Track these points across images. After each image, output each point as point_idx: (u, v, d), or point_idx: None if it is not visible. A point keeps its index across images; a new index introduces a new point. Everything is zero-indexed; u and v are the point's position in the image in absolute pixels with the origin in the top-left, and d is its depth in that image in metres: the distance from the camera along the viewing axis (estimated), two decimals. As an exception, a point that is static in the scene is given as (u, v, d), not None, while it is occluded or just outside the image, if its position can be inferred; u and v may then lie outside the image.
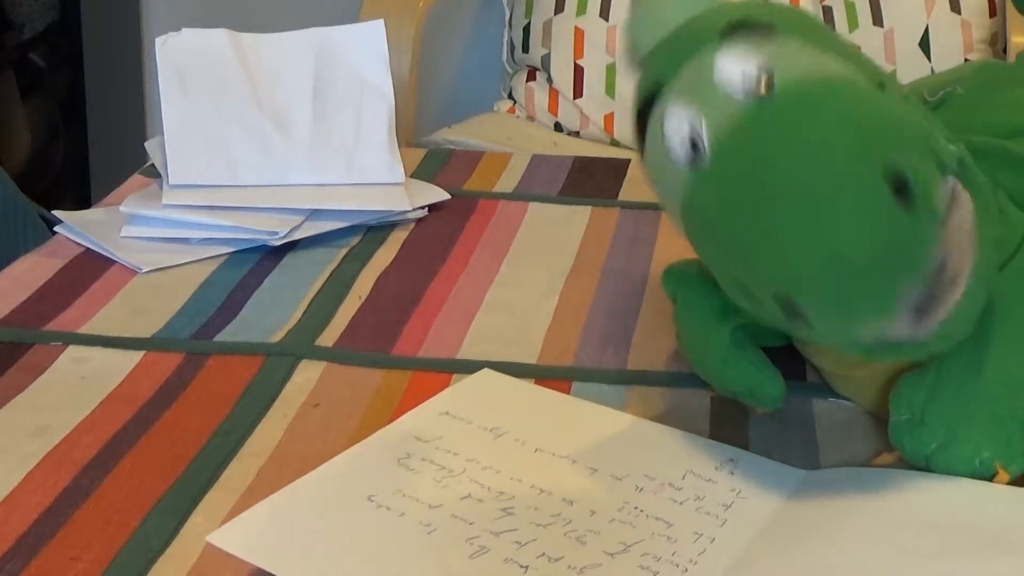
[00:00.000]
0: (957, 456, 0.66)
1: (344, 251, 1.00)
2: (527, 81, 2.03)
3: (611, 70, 1.96)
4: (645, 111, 0.69)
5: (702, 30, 0.68)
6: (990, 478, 0.66)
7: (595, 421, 0.75)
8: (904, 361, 0.70)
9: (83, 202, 2.36)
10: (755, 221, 0.62)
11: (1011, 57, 1.88)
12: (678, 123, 0.65)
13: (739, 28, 0.67)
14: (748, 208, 0.63)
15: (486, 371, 0.80)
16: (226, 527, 0.63)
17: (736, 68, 0.64)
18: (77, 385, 0.79)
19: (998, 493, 0.66)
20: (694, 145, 0.64)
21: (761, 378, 0.74)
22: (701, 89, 0.65)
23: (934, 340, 0.64)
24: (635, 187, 1.15)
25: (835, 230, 0.60)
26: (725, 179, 0.64)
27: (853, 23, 1.96)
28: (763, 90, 0.64)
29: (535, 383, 0.80)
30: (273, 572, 0.60)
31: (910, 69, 1.93)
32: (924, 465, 0.68)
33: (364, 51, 1.11)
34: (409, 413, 0.74)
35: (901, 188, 0.60)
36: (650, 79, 0.69)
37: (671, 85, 0.67)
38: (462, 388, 0.78)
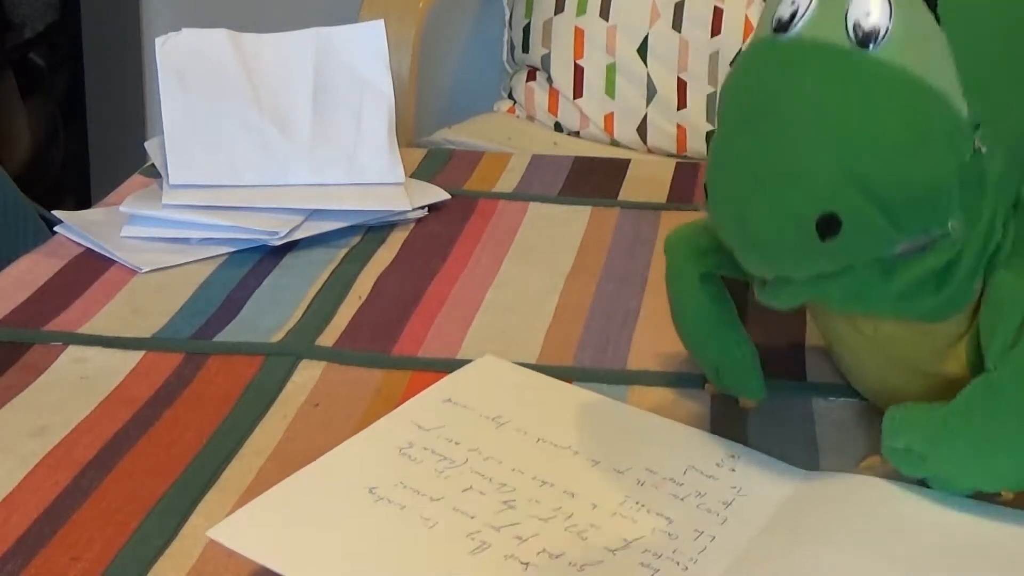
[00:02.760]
0: (958, 490, 0.66)
1: (344, 251, 1.00)
2: (527, 81, 2.03)
3: (611, 70, 1.96)
4: None
5: None
6: (995, 496, 0.66)
7: (597, 411, 0.75)
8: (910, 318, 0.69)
9: (83, 202, 2.36)
10: (733, 124, 0.64)
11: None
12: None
13: None
14: (740, 108, 0.64)
15: (488, 356, 0.80)
16: (226, 521, 0.63)
17: (867, 4, 0.63)
18: (77, 385, 0.79)
19: (999, 512, 0.65)
20: (791, 17, 0.64)
21: (737, 342, 0.75)
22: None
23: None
24: (635, 187, 1.15)
25: (754, 201, 0.62)
26: (763, 67, 0.65)
27: None
28: (864, 40, 0.62)
29: (535, 383, 0.80)
30: (273, 568, 0.60)
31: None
32: (918, 483, 0.67)
33: (364, 51, 1.11)
34: (411, 400, 0.74)
35: (827, 227, 0.61)
36: None
37: None
38: (464, 374, 0.78)
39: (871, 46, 0.62)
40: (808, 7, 0.64)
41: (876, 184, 0.61)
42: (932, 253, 0.64)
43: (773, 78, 0.64)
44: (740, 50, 0.66)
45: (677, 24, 1.92)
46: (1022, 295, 0.67)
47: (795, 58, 0.64)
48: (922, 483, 0.67)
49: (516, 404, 0.74)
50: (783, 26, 0.64)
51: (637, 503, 0.66)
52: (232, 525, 0.63)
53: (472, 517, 0.64)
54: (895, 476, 0.67)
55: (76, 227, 1.01)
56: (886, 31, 0.62)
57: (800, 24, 0.64)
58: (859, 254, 0.63)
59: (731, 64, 0.67)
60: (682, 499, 0.67)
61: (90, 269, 0.95)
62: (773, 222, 0.62)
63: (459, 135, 1.90)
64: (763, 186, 0.62)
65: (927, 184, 0.62)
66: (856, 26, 0.62)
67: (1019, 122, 0.66)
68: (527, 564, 0.61)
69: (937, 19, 0.63)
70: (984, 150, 0.64)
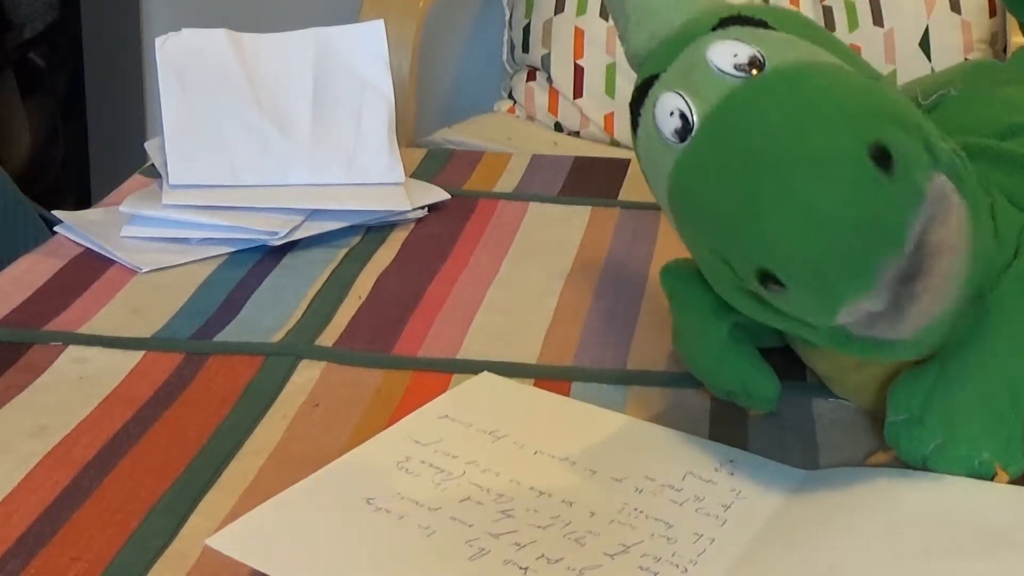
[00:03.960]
0: (955, 456, 0.66)
1: (344, 251, 1.00)
2: (527, 81, 2.03)
3: (611, 70, 1.96)
4: (639, 99, 0.70)
5: (696, 26, 0.70)
6: (990, 478, 0.66)
7: (594, 423, 0.75)
8: (891, 361, 0.70)
9: (83, 202, 2.36)
10: (738, 191, 0.63)
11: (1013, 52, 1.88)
12: (668, 102, 0.66)
13: (732, 21, 0.68)
14: (732, 179, 0.63)
15: (485, 374, 0.80)
16: (225, 530, 0.63)
17: (727, 50, 0.65)
18: (77, 385, 0.79)
19: (997, 491, 0.66)
20: (684, 121, 0.65)
21: (756, 375, 0.74)
22: (692, 73, 0.66)
23: (916, 341, 0.64)
24: (635, 187, 1.15)
25: (813, 195, 0.61)
26: (711, 151, 0.64)
27: (853, 23, 1.96)
28: (753, 70, 0.65)
29: (535, 383, 0.80)
30: (272, 575, 0.60)
31: (910, 69, 1.93)
32: (921, 465, 0.68)
33: (364, 51, 1.11)
34: (408, 417, 0.74)
35: (882, 157, 0.61)
36: (646, 70, 0.71)
37: (663, 74, 0.68)
38: (461, 391, 0.78)
39: (764, 68, 0.65)
40: (688, 101, 0.65)
41: (882, 109, 0.63)
42: (959, 177, 0.64)
43: (733, 140, 0.64)
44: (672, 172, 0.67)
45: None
46: (1012, 217, 0.69)
47: (731, 115, 0.64)
48: (924, 470, 0.67)
49: (513, 419, 0.74)
50: (683, 131, 0.65)
51: (636, 510, 0.66)
52: (231, 534, 0.63)
53: (470, 525, 0.64)
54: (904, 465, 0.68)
55: (76, 227, 1.01)
56: (760, 52, 0.65)
57: (696, 114, 0.65)
58: (917, 170, 0.61)
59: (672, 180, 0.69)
60: (681, 504, 0.67)
61: (90, 269, 0.95)
62: (843, 192, 0.60)
63: (459, 135, 1.90)
64: (811, 184, 0.61)
65: (907, 107, 0.64)
66: (738, 67, 0.65)
67: (876, 74, 0.71)
68: (526, 569, 0.61)
69: (772, 28, 0.68)
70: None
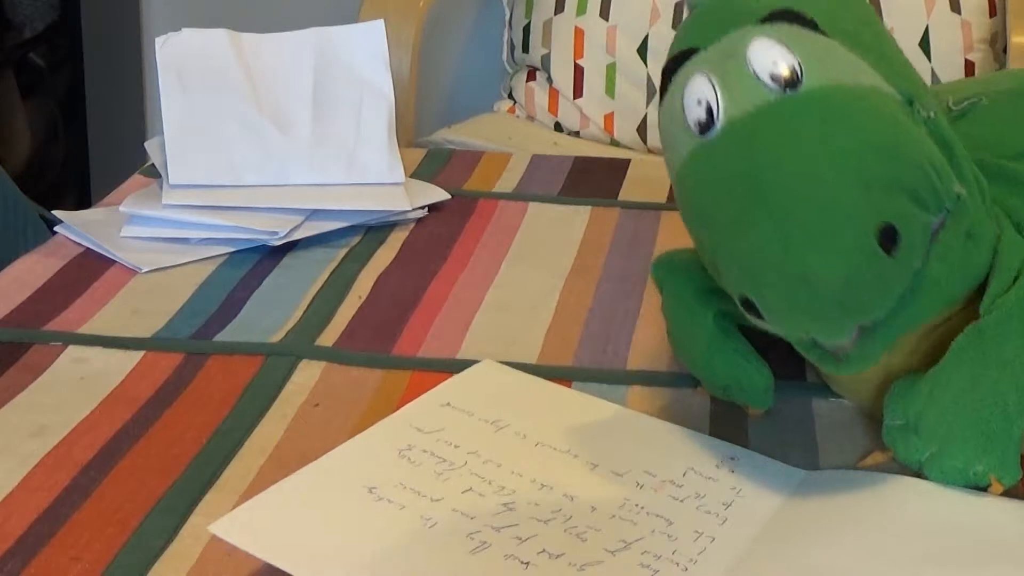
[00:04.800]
0: (950, 467, 0.66)
1: (344, 251, 1.00)
2: (527, 81, 2.03)
3: (611, 70, 1.96)
4: (674, 67, 0.69)
5: (747, 6, 0.68)
6: (984, 488, 0.66)
7: (596, 415, 0.75)
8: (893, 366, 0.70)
9: (83, 202, 2.36)
10: (739, 214, 0.63)
11: (1010, 57, 1.88)
12: (699, 89, 0.65)
13: (782, 16, 0.67)
14: (735, 199, 0.63)
15: (488, 362, 0.80)
16: (227, 517, 0.63)
17: (768, 54, 0.64)
18: (77, 385, 0.79)
19: (1000, 504, 0.66)
20: (709, 114, 0.65)
21: (747, 367, 0.74)
22: (729, 64, 0.65)
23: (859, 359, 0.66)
24: (635, 187, 1.15)
25: (809, 251, 0.61)
26: (726, 158, 0.64)
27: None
28: (789, 83, 0.64)
29: (535, 383, 0.80)
30: (274, 564, 0.60)
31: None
32: (917, 470, 0.68)
33: (364, 51, 1.11)
34: (411, 403, 0.74)
35: (888, 238, 0.61)
36: (686, 39, 0.69)
37: (703, 51, 0.67)
38: (464, 379, 0.78)
39: (799, 85, 0.64)
40: (717, 95, 0.65)
41: (900, 179, 0.62)
42: (955, 218, 0.65)
43: (748, 159, 0.63)
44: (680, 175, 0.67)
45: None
46: (1018, 246, 0.69)
47: (754, 132, 0.64)
48: (920, 476, 0.67)
49: (515, 408, 0.74)
50: (706, 125, 0.65)
51: (637, 505, 0.66)
52: (233, 521, 0.63)
53: (472, 518, 0.64)
54: (898, 471, 0.68)
55: (76, 227, 1.01)
56: (799, 65, 0.64)
57: (722, 113, 0.64)
58: (918, 251, 0.63)
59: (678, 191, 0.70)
60: (681, 501, 0.67)
61: (90, 269, 0.95)
62: (840, 262, 0.61)
63: (459, 135, 1.90)
64: (811, 239, 0.61)
65: (928, 160, 0.64)
66: (774, 78, 0.64)
67: (916, 83, 0.69)
68: (527, 563, 0.61)
69: (823, 33, 0.66)
70: (933, 115, 0.67)
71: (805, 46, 0.65)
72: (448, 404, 0.74)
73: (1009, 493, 0.66)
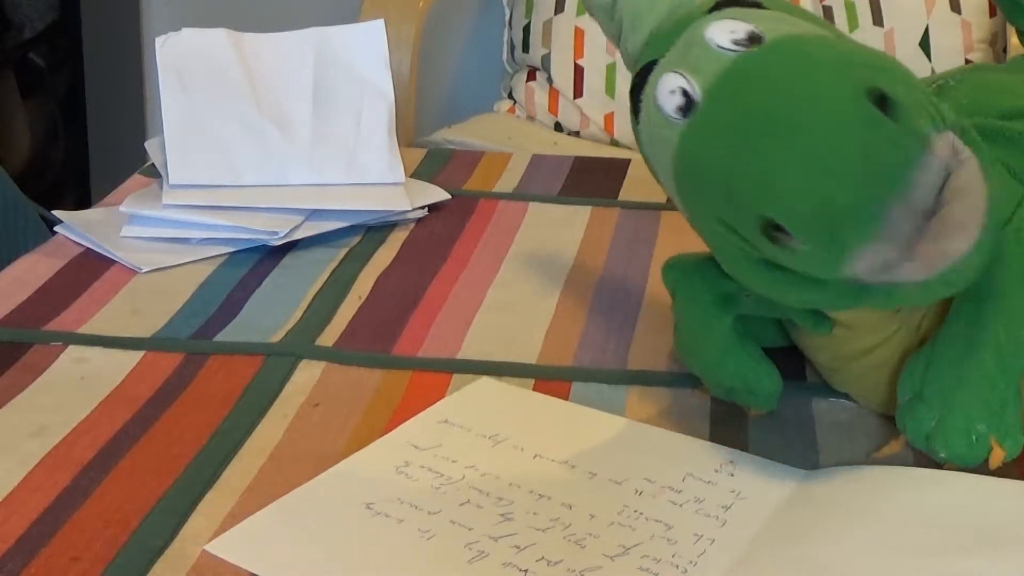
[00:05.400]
0: (952, 428, 0.67)
1: (344, 251, 1.00)
2: (527, 81, 2.03)
3: (611, 70, 1.96)
4: (640, 86, 0.70)
5: (690, 12, 0.70)
6: (986, 456, 0.67)
7: (593, 426, 0.75)
8: (902, 308, 0.70)
9: (83, 202, 2.36)
10: (743, 148, 0.63)
11: (1010, 57, 1.88)
12: (669, 82, 0.66)
13: (726, 3, 0.69)
14: (736, 140, 0.63)
15: (485, 379, 0.80)
16: (224, 536, 0.63)
17: (725, 28, 0.66)
18: (77, 385, 0.79)
19: (997, 487, 0.66)
20: (686, 98, 0.66)
21: (759, 371, 0.74)
22: (691, 52, 0.67)
23: (944, 280, 0.64)
24: (635, 187, 1.15)
25: (814, 140, 0.61)
26: (717, 116, 0.65)
27: (853, 23, 1.96)
28: (751, 42, 0.65)
29: (535, 383, 0.80)
30: None
31: (910, 69, 1.92)
32: (926, 447, 0.68)
33: (364, 51, 1.11)
34: (407, 422, 0.74)
35: (882, 102, 0.61)
36: (644, 58, 0.71)
37: (663, 57, 0.69)
38: (460, 396, 0.78)
39: (763, 40, 0.65)
40: (688, 79, 0.66)
41: (883, 69, 0.63)
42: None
43: (738, 102, 0.64)
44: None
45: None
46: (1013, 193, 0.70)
47: (733, 83, 0.65)
48: (926, 464, 0.67)
49: (513, 423, 0.74)
50: (686, 107, 0.66)
51: (636, 512, 0.66)
52: (230, 540, 0.63)
53: (470, 529, 0.64)
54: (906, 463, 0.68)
55: (76, 227, 1.01)
56: (757, 28, 0.66)
57: (698, 88, 0.65)
58: (921, 125, 0.62)
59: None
60: (681, 505, 0.67)
61: (90, 269, 0.95)
62: (849, 134, 0.61)
63: (459, 135, 1.90)
64: (816, 129, 0.62)
65: (908, 73, 0.65)
66: (736, 42, 0.65)
67: None
68: (525, 571, 0.61)
69: (762, 7, 0.69)
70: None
71: (758, 17, 0.67)
72: (446, 421, 0.74)
73: (1009, 472, 0.66)
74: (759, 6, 0.69)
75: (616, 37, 0.76)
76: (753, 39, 0.65)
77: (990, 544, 0.61)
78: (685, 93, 0.66)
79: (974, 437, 0.67)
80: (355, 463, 0.70)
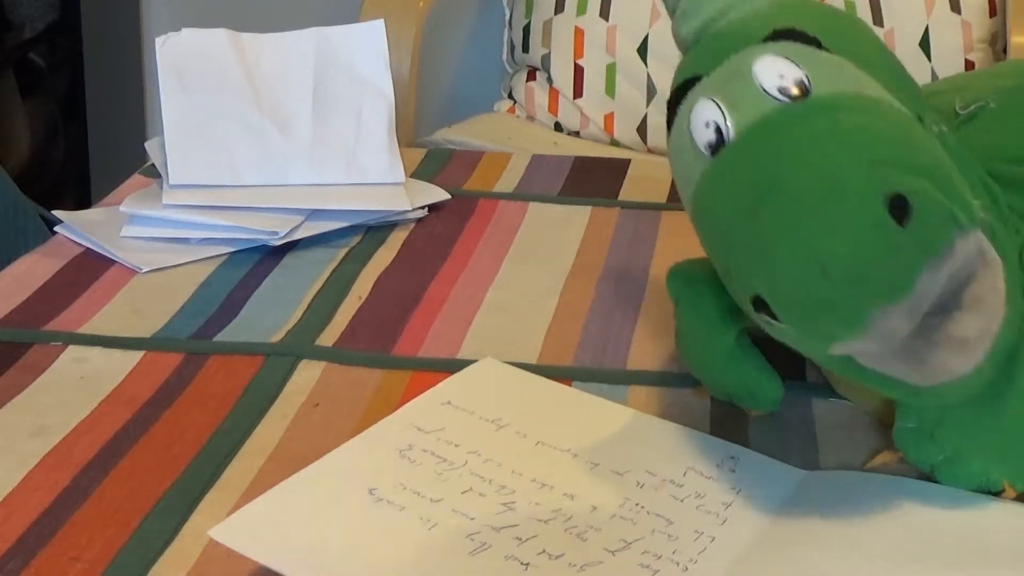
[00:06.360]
0: (965, 472, 0.66)
1: (344, 251, 1.00)
2: (527, 81, 2.03)
3: (611, 70, 1.96)
4: (678, 97, 0.68)
5: (748, 29, 0.68)
6: (996, 493, 0.66)
7: (597, 414, 0.75)
8: (896, 396, 0.67)
9: (83, 202, 2.35)
10: (747, 212, 0.62)
11: (1010, 57, 1.88)
12: (706, 111, 0.64)
13: (785, 35, 0.66)
14: (744, 199, 0.62)
15: (488, 359, 0.80)
16: (227, 521, 0.63)
17: (774, 68, 0.64)
18: (77, 385, 0.79)
19: (1002, 506, 0.65)
20: (718, 134, 0.64)
21: (761, 379, 0.74)
22: (735, 84, 0.64)
23: (936, 393, 0.63)
24: (635, 187, 1.15)
25: (815, 230, 0.59)
26: (736, 169, 0.63)
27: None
28: (797, 94, 0.63)
29: (535, 383, 0.80)
30: (274, 567, 0.60)
31: (910, 69, 1.92)
32: (928, 473, 0.67)
33: (364, 51, 1.11)
34: (411, 402, 0.74)
35: (899, 207, 0.59)
36: (688, 69, 0.69)
37: (705, 78, 0.67)
38: (464, 377, 0.78)
39: (808, 96, 0.63)
40: (725, 115, 0.64)
41: (910, 162, 0.61)
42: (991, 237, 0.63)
43: (758, 158, 0.62)
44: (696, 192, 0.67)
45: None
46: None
47: (762, 135, 0.63)
48: (928, 479, 0.67)
49: (516, 407, 0.74)
50: (716, 146, 0.64)
51: (637, 505, 0.66)
52: (233, 525, 0.63)
53: (472, 518, 0.64)
54: (904, 472, 0.67)
55: (76, 227, 1.01)
56: (807, 77, 0.63)
57: (731, 129, 0.63)
58: (936, 227, 0.59)
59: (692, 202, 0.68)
60: (682, 500, 0.67)
61: (90, 269, 0.95)
62: (849, 234, 0.59)
63: (459, 135, 1.90)
64: (820, 218, 0.59)
65: (941, 162, 0.63)
66: (782, 91, 0.63)
67: (923, 103, 0.69)
68: (527, 564, 0.61)
69: (821, 45, 0.66)
70: (942, 129, 0.66)
71: (811, 61, 0.64)
72: (449, 403, 0.74)
73: (1019, 497, 0.66)
74: (819, 44, 0.66)
75: (672, 11, 0.74)
76: (801, 91, 0.63)
77: (988, 558, 0.61)
78: (719, 130, 0.64)
79: (986, 480, 0.66)
80: (359, 444, 0.70)
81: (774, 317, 0.62)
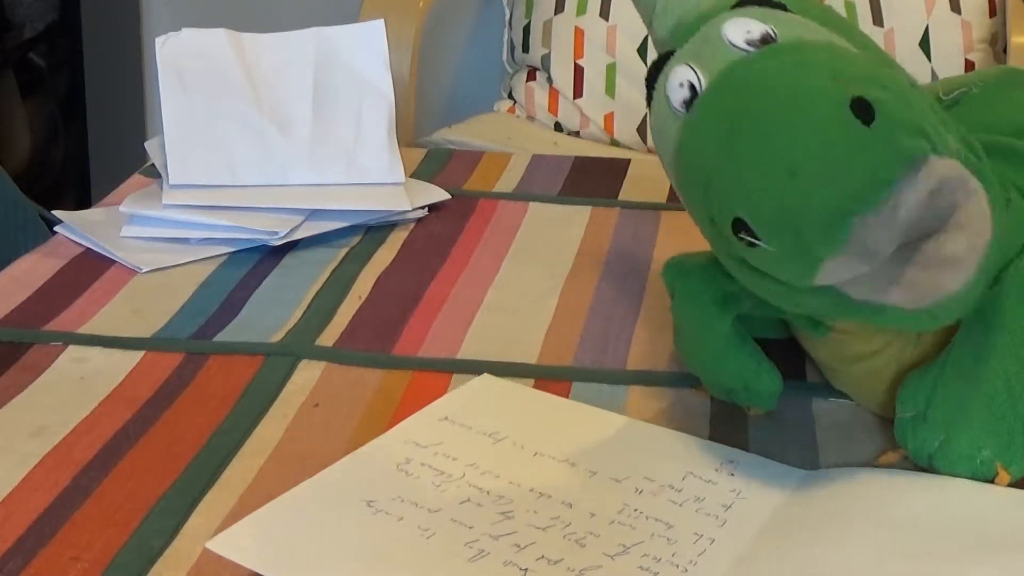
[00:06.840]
0: (957, 453, 0.67)
1: (344, 251, 1.00)
2: (527, 81, 2.03)
3: (611, 70, 1.96)
4: (655, 75, 0.70)
5: (717, 8, 0.70)
6: (991, 479, 0.66)
7: (594, 424, 0.75)
8: (878, 328, 0.69)
9: (83, 202, 2.36)
10: (722, 147, 0.63)
11: (1010, 57, 1.88)
12: (680, 74, 0.67)
13: (751, 1, 0.69)
14: (719, 138, 0.64)
15: (485, 376, 0.80)
16: (224, 533, 0.63)
17: (741, 27, 0.66)
18: (77, 385, 0.79)
19: (997, 495, 0.66)
20: (692, 92, 0.66)
21: (759, 371, 0.74)
22: (705, 47, 0.67)
23: (931, 314, 0.64)
24: (635, 187, 1.15)
25: (788, 141, 0.61)
26: (707, 115, 0.65)
27: (853, 23, 1.96)
28: (762, 43, 0.65)
29: (535, 383, 0.80)
30: None
31: (910, 69, 1.92)
32: (928, 464, 0.68)
33: (364, 51, 1.11)
34: (408, 419, 0.74)
35: (863, 109, 0.60)
36: (663, 50, 0.72)
37: (679, 50, 0.69)
38: (461, 393, 0.78)
39: (773, 42, 0.65)
40: (697, 73, 0.66)
41: (875, 77, 0.63)
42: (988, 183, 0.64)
43: (729, 95, 0.64)
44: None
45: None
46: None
47: (732, 77, 0.65)
48: (928, 471, 0.67)
49: (513, 420, 0.74)
50: (691, 102, 0.66)
51: (636, 510, 0.66)
52: (230, 537, 0.63)
53: (470, 527, 0.64)
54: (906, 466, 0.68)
55: (76, 227, 1.01)
56: (773, 30, 0.66)
57: (703, 82, 0.66)
58: (905, 137, 0.60)
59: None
60: (681, 505, 0.67)
61: (90, 269, 0.95)
62: (815, 135, 0.60)
63: (459, 135, 1.90)
64: (788, 130, 0.61)
65: (913, 93, 0.64)
66: (749, 42, 0.65)
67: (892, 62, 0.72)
68: (526, 570, 0.61)
69: (787, 9, 0.69)
70: (914, 83, 0.68)
71: (778, 19, 0.67)
72: (446, 418, 0.74)
73: (1016, 484, 0.66)
74: (784, 8, 0.69)
75: (648, 18, 0.76)
76: (766, 41, 0.65)
77: (990, 550, 0.61)
78: (692, 87, 0.66)
79: (979, 461, 0.66)
80: (356, 459, 0.70)
81: (756, 237, 0.62)
